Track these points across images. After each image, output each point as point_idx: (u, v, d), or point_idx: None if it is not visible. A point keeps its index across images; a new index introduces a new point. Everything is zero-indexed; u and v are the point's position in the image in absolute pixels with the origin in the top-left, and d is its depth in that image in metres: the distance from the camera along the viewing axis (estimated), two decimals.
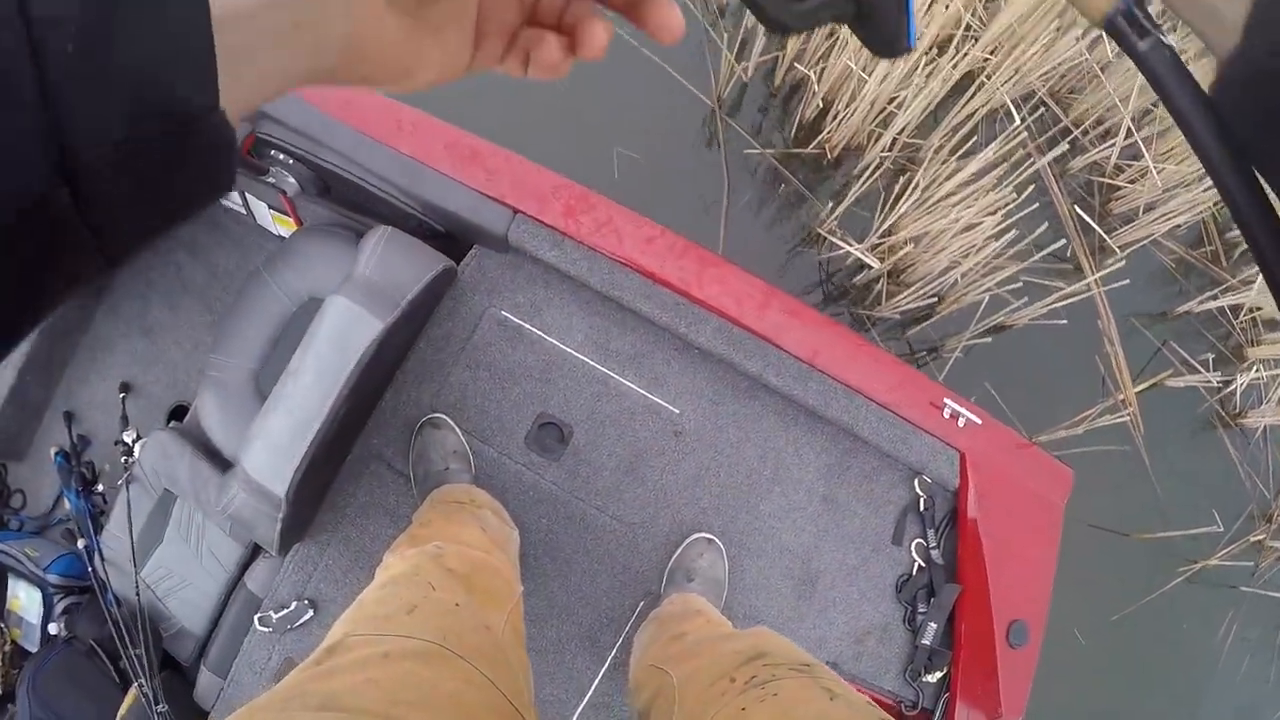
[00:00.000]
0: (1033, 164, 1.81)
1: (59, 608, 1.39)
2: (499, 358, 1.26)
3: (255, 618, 1.21)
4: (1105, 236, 1.96)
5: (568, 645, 1.24)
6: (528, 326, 1.27)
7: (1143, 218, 1.98)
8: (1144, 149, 1.92)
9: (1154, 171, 1.90)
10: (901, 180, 1.86)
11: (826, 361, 1.27)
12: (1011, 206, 1.68)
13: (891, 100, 1.81)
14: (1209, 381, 1.97)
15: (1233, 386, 2.01)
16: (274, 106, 1.20)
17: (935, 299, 1.89)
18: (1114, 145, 1.97)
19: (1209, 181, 1.83)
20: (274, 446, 1.04)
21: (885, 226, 1.82)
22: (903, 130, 1.85)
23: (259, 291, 1.31)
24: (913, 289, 1.85)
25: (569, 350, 1.27)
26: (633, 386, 1.28)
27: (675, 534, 1.27)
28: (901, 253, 1.84)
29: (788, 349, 1.25)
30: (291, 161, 1.27)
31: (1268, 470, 2.06)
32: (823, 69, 1.88)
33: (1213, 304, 2.03)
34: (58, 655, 1.32)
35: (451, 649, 0.66)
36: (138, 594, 1.26)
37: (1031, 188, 1.78)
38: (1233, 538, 2.00)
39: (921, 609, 1.34)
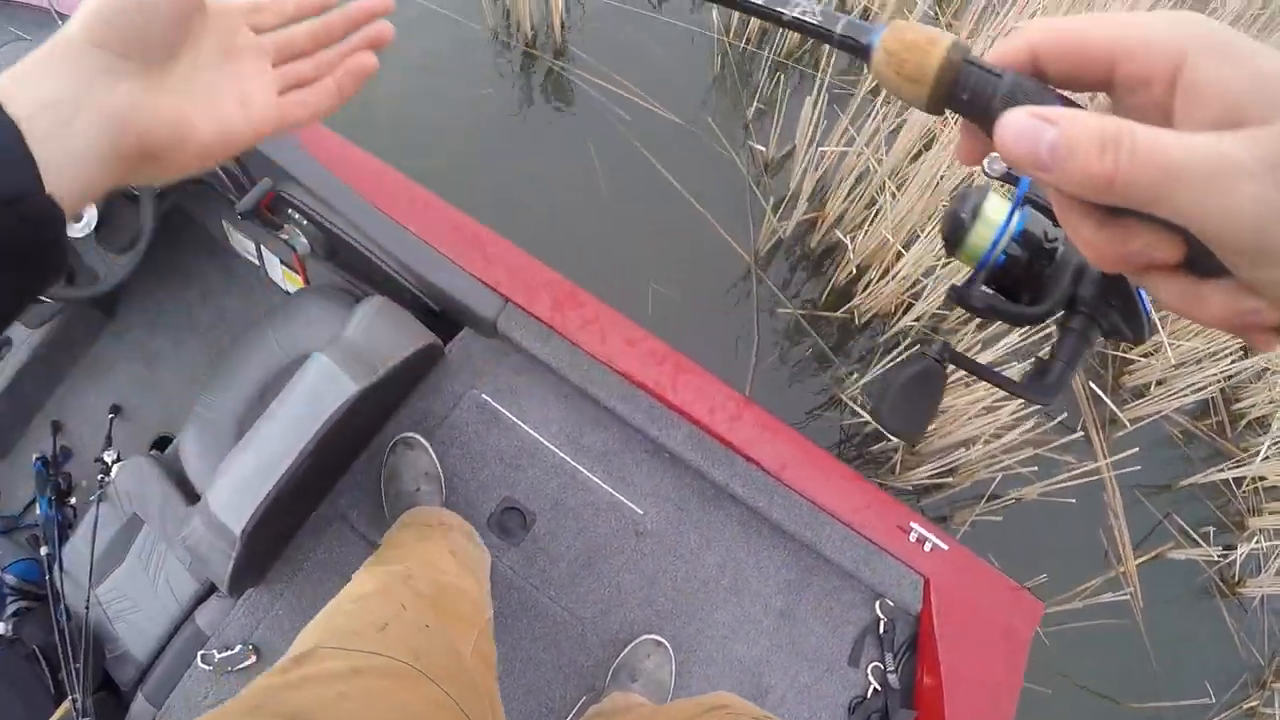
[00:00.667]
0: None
1: (10, 609, 1.41)
2: (473, 438, 1.31)
3: (199, 654, 1.24)
4: (1117, 411, 2.00)
5: None
6: (505, 412, 1.32)
7: (1154, 391, 2.06)
8: (1159, 325, 1.98)
9: (1168, 347, 1.96)
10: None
11: (794, 477, 1.29)
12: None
13: (927, 273, 1.91)
14: (1209, 555, 2.02)
15: (1232, 556, 2.05)
16: (296, 167, 1.28)
17: (950, 473, 1.95)
18: None
19: (1219, 357, 1.80)
20: (238, 484, 1.08)
21: None
22: (931, 303, 1.94)
23: (257, 341, 1.37)
24: (929, 462, 1.91)
25: (542, 440, 1.32)
26: (599, 482, 1.31)
27: (625, 632, 1.28)
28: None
29: (757, 461, 1.28)
30: (306, 222, 1.34)
31: (1263, 638, 2.08)
32: (857, 236, 2.00)
33: (1217, 476, 2.07)
34: None
35: (422, 670, 0.67)
36: (87, 609, 1.29)
37: None
38: (1226, 704, 2.00)
39: None
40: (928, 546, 1.33)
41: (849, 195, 2.02)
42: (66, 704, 1.21)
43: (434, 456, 1.29)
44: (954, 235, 0.35)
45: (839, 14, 0.29)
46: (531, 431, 1.32)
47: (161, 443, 1.61)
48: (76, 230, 1.20)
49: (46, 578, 1.34)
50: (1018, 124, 0.23)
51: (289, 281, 1.55)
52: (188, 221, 1.63)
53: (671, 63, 2.36)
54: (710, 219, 2.12)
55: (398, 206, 1.30)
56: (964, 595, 1.34)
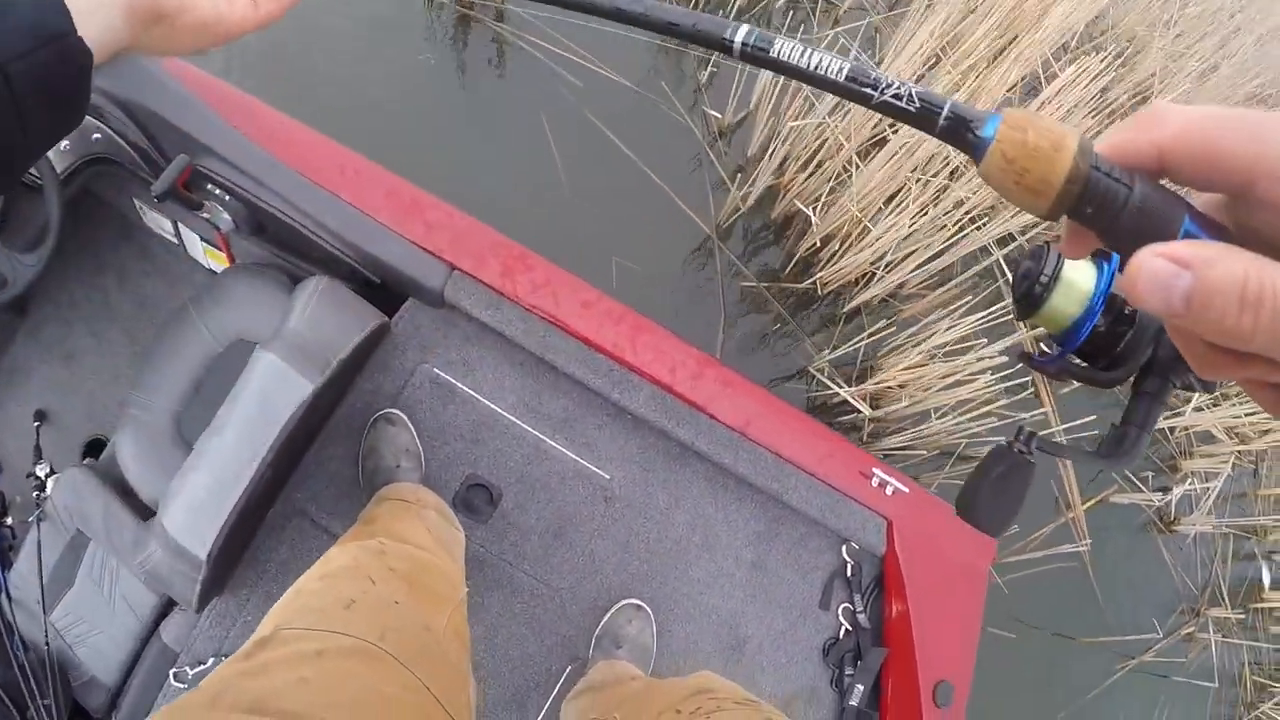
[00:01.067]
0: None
1: None
2: (429, 415, 1.26)
3: (170, 672, 1.20)
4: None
5: (494, 709, 1.25)
6: (460, 385, 1.28)
7: None
8: None
9: None
10: (892, 326, 2.01)
11: (758, 431, 1.30)
12: (993, 361, 1.80)
13: (892, 247, 1.91)
14: (1149, 500, 2.16)
15: (1168, 498, 2.20)
16: (213, 138, 1.19)
17: (916, 440, 2.01)
18: None
19: None
20: (195, 506, 1.03)
21: (873, 373, 1.95)
22: (897, 275, 1.95)
23: (185, 329, 1.29)
24: (896, 433, 1.97)
25: (500, 411, 1.28)
26: (564, 450, 1.29)
27: (603, 599, 1.28)
28: (889, 401, 1.95)
29: (720, 418, 1.28)
30: (228, 198, 1.25)
31: (1196, 570, 2.27)
32: (820, 207, 1.98)
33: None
34: None
35: (388, 650, 0.65)
36: (47, 643, 1.23)
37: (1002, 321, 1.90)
38: (1167, 631, 2.19)
39: (849, 672, 1.38)
40: (889, 490, 1.37)
41: (810, 166, 1.99)
42: None
43: (414, 433, 1.25)
44: (1030, 298, 0.32)
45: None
46: (489, 403, 1.28)
47: (95, 446, 1.52)
48: None
49: None
50: (1150, 271, 0.21)
51: (212, 259, 1.45)
52: (96, 202, 1.51)
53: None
54: (669, 191, 2.08)
55: (327, 174, 1.22)
56: (924, 534, 1.40)
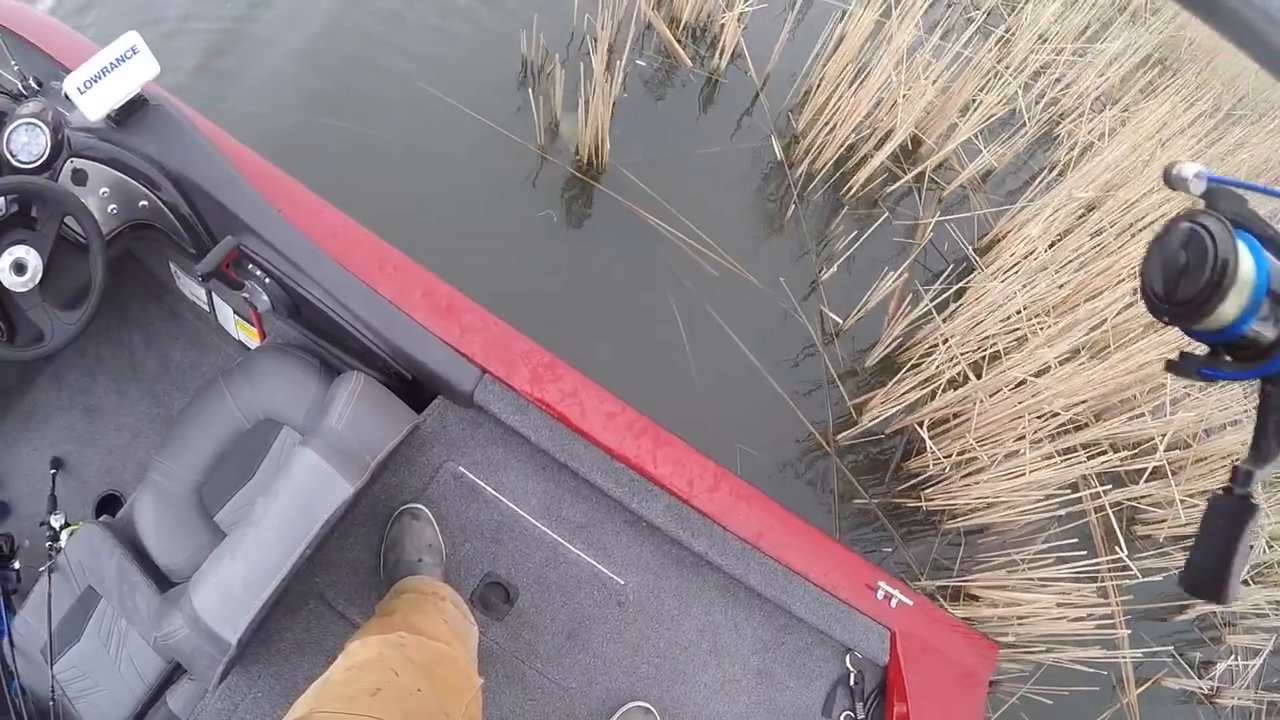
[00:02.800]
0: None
1: None
2: (452, 513, 1.31)
3: None
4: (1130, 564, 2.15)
5: None
6: (483, 485, 1.33)
7: (1166, 545, 2.27)
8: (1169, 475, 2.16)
9: (1179, 504, 2.16)
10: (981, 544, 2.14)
11: (769, 543, 1.36)
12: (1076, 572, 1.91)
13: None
14: (1199, 686, 2.24)
15: (1213, 673, 2.28)
16: (260, 223, 1.25)
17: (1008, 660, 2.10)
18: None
19: None
20: (228, 594, 1.08)
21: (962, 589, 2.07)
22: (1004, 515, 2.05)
23: (214, 402, 1.33)
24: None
25: (522, 513, 1.33)
26: (581, 554, 1.34)
27: (612, 701, 1.34)
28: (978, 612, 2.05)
29: (733, 530, 1.33)
30: (268, 280, 1.29)
31: None
32: (940, 434, 2.10)
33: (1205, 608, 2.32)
34: None
35: None
36: (53, 698, 1.26)
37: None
38: None
39: None
40: (894, 603, 1.43)
41: (929, 387, 2.07)
42: None
43: (437, 529, 1.32)
44: (1202, 301, 0.28)
45: None
46: (511, 504, 1.34)
47: (108, 502, 1.56)
48: (19, 283, 1.10)
49: None
50: None
51: (242, 332, 1.50)
52: (131, 261, 1.55)
53: (726, 199, 2.45)
54: (789, 402, 2.21)
55: (366, 267, 1.27)
56: (927, 645, 1.46)
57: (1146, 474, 2.08)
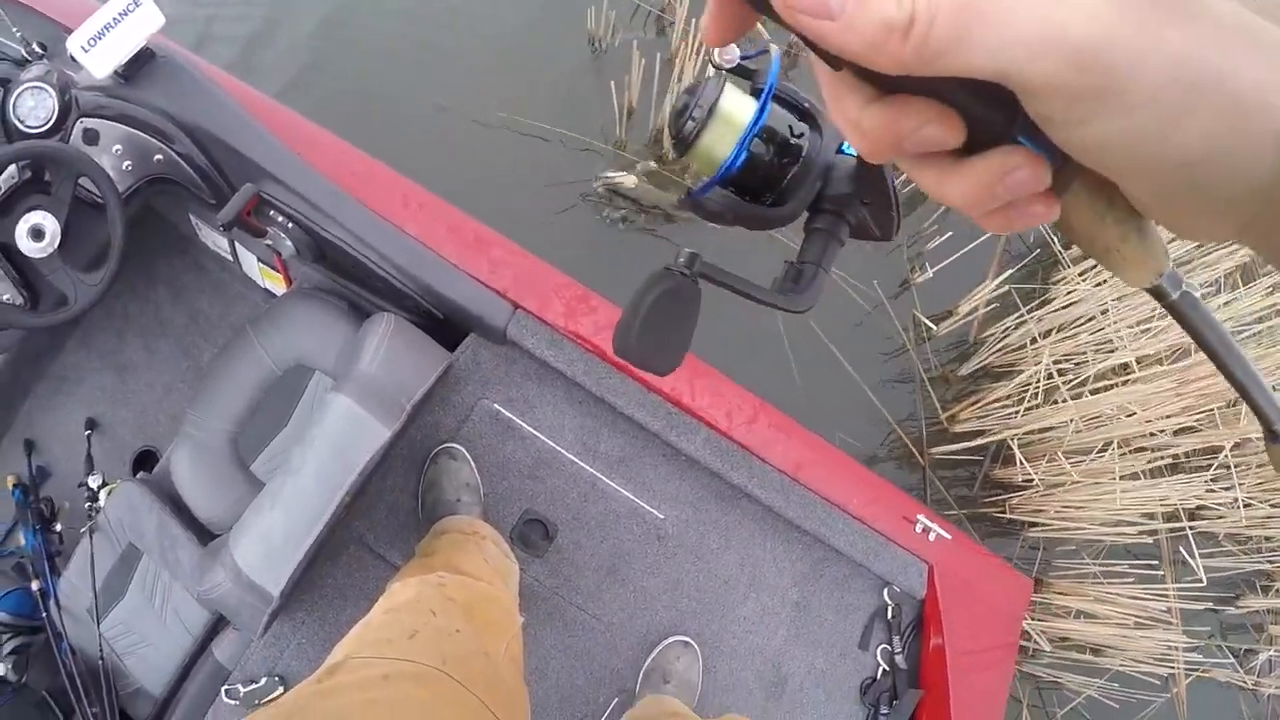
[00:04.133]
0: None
1: (7, 648, 1.34)
2: (488, 450, 1.25)
3: (223, 689, 1.19)
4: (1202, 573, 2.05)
5: None
6: (519, 422, 1.26)
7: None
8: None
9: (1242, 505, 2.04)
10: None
11: (808, 475, 1.29)
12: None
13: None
14: (1243, 680, 2.13)
15: (1254, 663, 2.18)
16: (279, 168, 1.17)
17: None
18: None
19: None
20: (270, 545, 1.02)
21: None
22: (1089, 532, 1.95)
23: (243, 351, 1.27)
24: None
25: (559, 449, 1.27)
26: (619, 489, 1.28)
27: (653, 635, 1.28)
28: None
29: (772, 462, 1.27)
30: (291, 225, 1.22)
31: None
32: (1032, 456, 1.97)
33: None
34: (6, 703, 1.27)
35: (450, 674, 0.68)
36: (101, 657, 1.23)
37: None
38: None
39: (884, 711, 1.39)
40: (932, 536, 1.38)
41: (1020, 399, 1.95)
42: None
43: (474, 468, 1.25)
44: (685, 133, 0.30)
45: None
46: (548, 440, 1.27)
47: (144, 458, 1.51)
48: (38, 249, 1.04)
49: (44, 615, 1.26)
50: None
51: (268, 280, 1.43)
52: (152, 216, 1.48)
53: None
54: (885, 413, 2.08)
55: (390, 206, 1.20)
56: (964, 579, 1.40)
57: (1211, 470, 1.98)
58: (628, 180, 1.96)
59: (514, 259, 1.21)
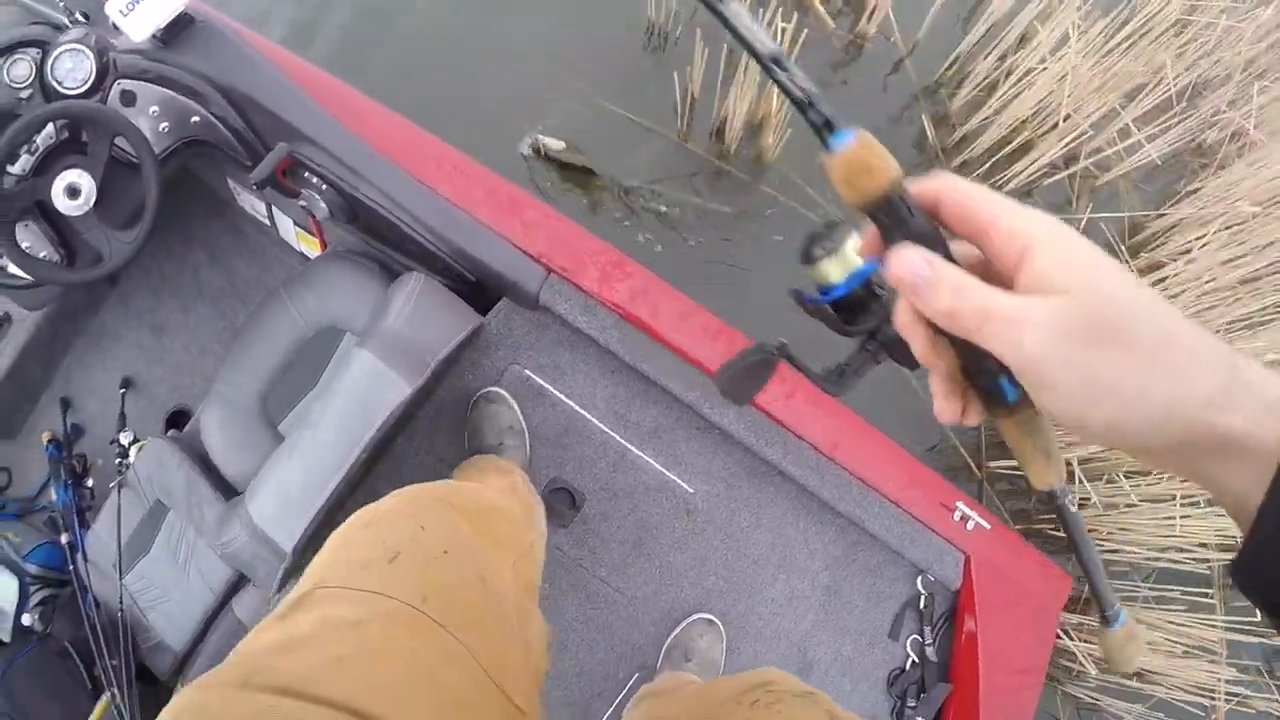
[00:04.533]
0: None
1: (35, 599, 1.34)
2: None
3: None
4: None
5: (557, 710, 1.21)
6: (550, 388, 1.22)
7: None
8: None
9: None
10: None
11: (846, 456, 1.23)
12: None
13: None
14: None
15: None
16: (314, 129, 1.14)
17: None
18: None
19: None
20: (285, 499, 0.99)
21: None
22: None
23: (276, 312, 1.25)
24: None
25: (589, 417, 1.22)
26: (650, 461, 1.23)
27: (677, 611, 1.23)
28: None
29: (809, 439, 1.21)
30: (325, 187, 1.20)
31: None
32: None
33: None
34: (31, 652, 1.27)
35: (430, 613, 0.57)
36: (121, 609, 1.22)
37: None
38: None
39: (911, 704, 1.32)
40: (970, 525, 1.30)
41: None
42: (105, 699, 1.14)
43: (517, 410, 1.20)
44: (813, 256, 0.39)
45: (819, 94, 0.33)
46: (578, 408, 1.23)
47: (178, 417, 1.50)
48: (74, 207, 1.04)
49: (71, 568, 1.26)
50: (909, 260, 0.31)
51: (303, 243, 1.41)
52: (190, 179, 1.47)
53: None
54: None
55: (424, 168, 1.16)
56: (1000, 572, 1.33)
57: None
58: (554, 143, 1.90)
59: (548, 222, 1.17)
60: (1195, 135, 2.10)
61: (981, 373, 0.33)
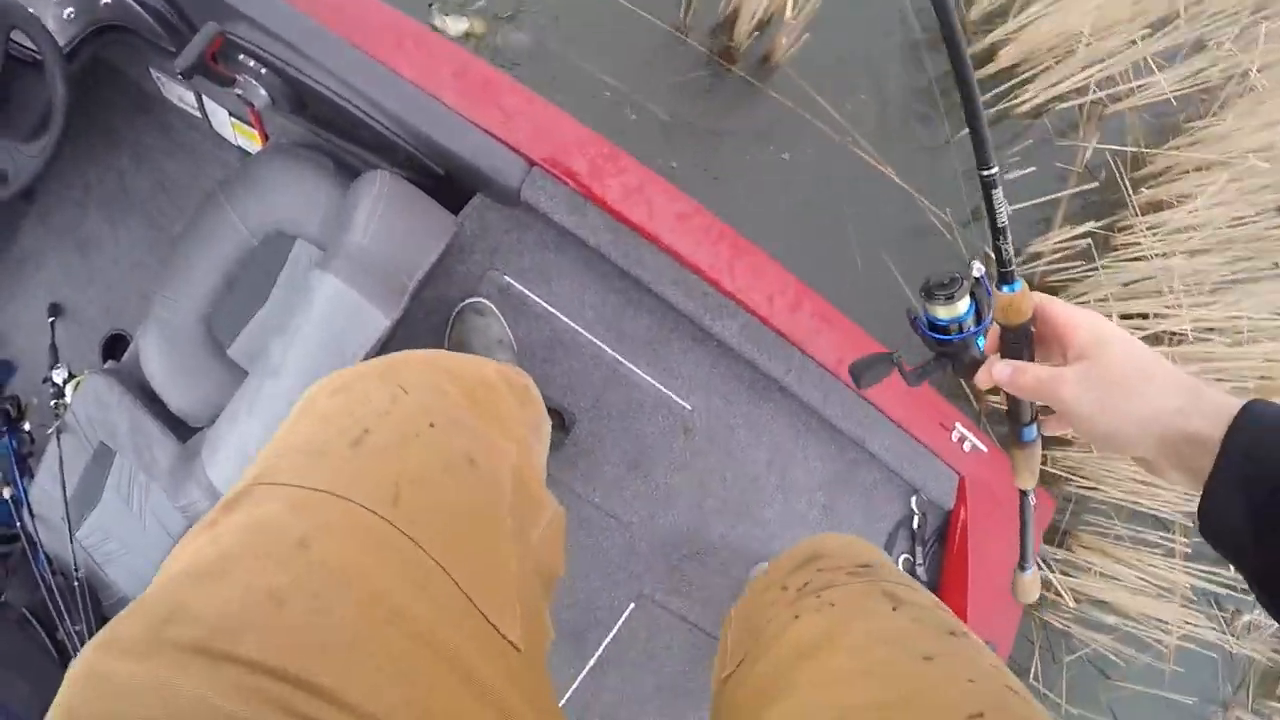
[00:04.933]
0: None
1: None
2: None
3: None
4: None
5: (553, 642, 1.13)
6: (533, 296, 1.08)
7: None
8: None
9: None
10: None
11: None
12: None
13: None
14: (1227, 642, 2.07)
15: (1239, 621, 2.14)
16: (249, 5, 0.95)
17: None
18: None
19: None
20: (245, 459, 0.84)
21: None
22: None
23: (214, 219, 1.08)
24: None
25: (578, 328, 1.09)
26: (644, 376, 1.12)
27: (674, 537, 1.15)
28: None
29: (814, 355, 1.11)
30: (264, 71, 1.01)
31: None
32: None
33: None
34: None
35: (400, 524, 0.42)
36: (77, 570, 1.08)
37: None
38: None
39: None
40: (967, 446, 1.25)
41: None
42: None
43: (504, 323, 1.06)
44: (932, 295, 0.48)
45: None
46: (565, 319, 1.09)
47: (114, 342, 1.33)
48: None
49: (18, 524, 1.11)
50: (1001, 365, 0.50)
51: (242, 136, 1.22)
52: (108, 72, 1.25)
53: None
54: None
55: (385, 46, 0.98)
56: (993, 496, 1.29)
57: None
58: (455, 26, 1.64)
59: (529, 108, 1.00)
60: (1202, 74, 1.97)
61: (1016, 419, 0.54)
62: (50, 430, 1.14)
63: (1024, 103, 1.93)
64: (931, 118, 1.95)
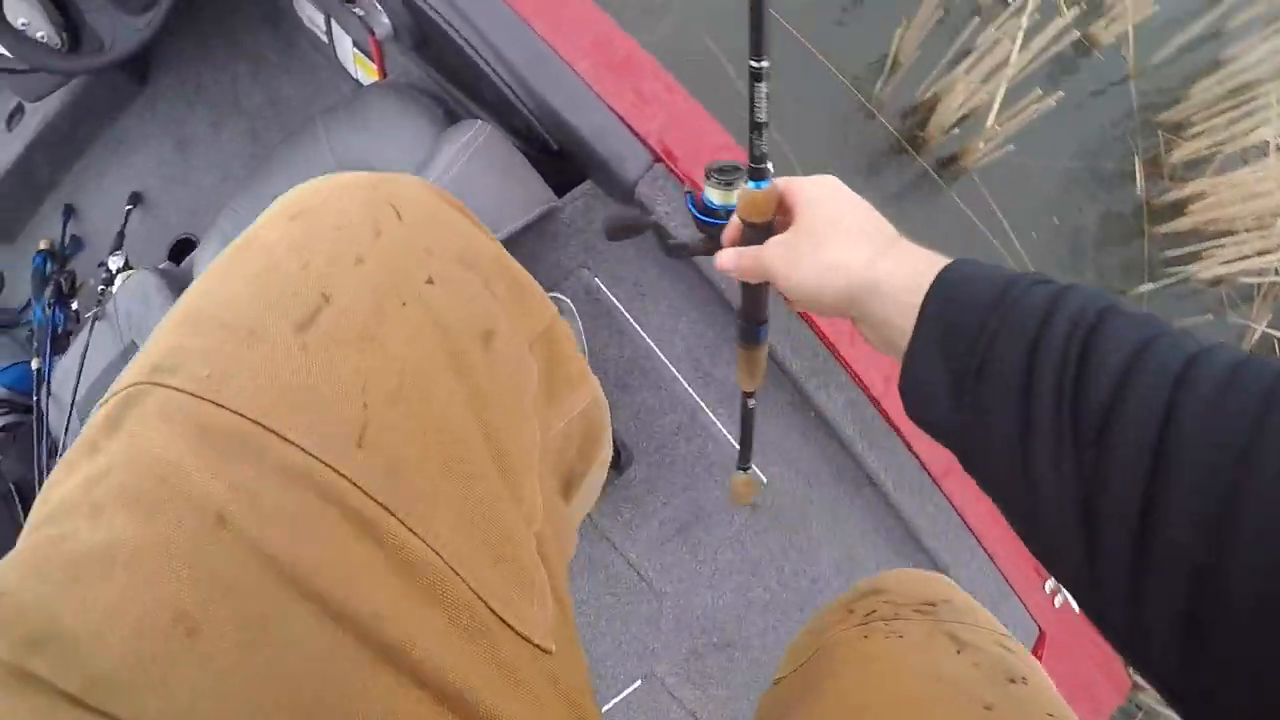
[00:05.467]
0: None
1: None
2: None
3: None
4: None
5: None
6: (622, 309, 0.93)
7: None
8: None
9: None
10: None
11: (954, 485, 0.93)
12: None
13: None
14: None
15: None
16: None
17: None
18: None
19: None
20: None
21: None
22: None
23: (306, 145, 0.98)
24: None
25: (664, 358, 0.93)
26: (723, 430, 0.94)
27: (707, 620, 0.96)
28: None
29: (919, 454, 0.91)
30: None
31: None
32: None
33: None
34: None
35: (364, 485, 0.27)
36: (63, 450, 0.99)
37: None
38: None
39: None
40: (1058, 601, 1.02)
41: None
42: None
43: (582, 327, 0.93)
44: (712, 175, 0.49)
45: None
46: (652, 344, 0.93)
47: (183, 246, 1.26)
48: None
49: (35, 398, 1.05)
50: (730, 253, 0.45)
51: (361, 69, 1.13)
52: None
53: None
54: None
55: None
56: (1071, 659, 1.05)
57: None
58: None
59: (668, 96, 0.85)
60: None
61: (747, 315, 0.51)
62: (88, 315, 1.07)
63: (1203, 268, 1.69)
64: (1132, 270, 1.73)
